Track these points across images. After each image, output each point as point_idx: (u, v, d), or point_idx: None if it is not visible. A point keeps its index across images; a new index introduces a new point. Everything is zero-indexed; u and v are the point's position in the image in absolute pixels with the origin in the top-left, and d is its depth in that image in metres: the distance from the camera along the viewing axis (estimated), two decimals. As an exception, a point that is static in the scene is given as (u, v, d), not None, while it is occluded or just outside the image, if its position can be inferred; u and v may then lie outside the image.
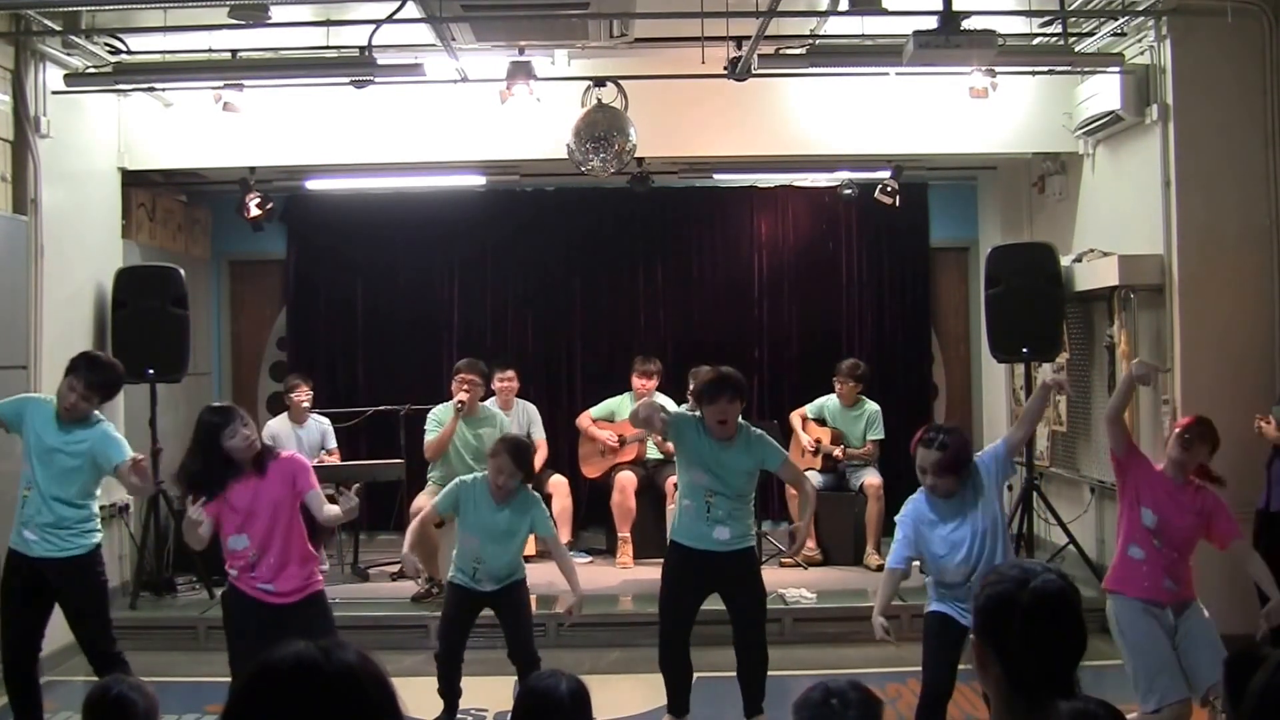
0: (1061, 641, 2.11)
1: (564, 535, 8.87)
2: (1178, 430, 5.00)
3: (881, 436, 8.84)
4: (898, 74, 7.56)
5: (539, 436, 8.61)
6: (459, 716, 5.84)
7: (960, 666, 4.80)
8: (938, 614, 4.84)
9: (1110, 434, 4.98)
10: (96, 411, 5.26)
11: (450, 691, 5.63)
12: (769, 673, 5.54)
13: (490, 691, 6.02)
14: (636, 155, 7.63)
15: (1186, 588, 4.92)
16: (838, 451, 8.81)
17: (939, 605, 4.86)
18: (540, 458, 8.62)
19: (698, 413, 5.58)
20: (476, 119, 7.81)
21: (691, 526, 5.46)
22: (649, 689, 5.76)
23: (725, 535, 5.42)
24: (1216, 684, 4.55)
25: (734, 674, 5.56)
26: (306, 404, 8.71)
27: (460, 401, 7.78)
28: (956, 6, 5.76)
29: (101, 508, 5.42)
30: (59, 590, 5.16)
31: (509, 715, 5.66)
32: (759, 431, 5.56)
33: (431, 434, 7.87)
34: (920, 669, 4.92)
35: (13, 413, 5.20)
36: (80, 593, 5.19)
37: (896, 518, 4.97)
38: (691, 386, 8.28)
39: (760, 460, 5.52)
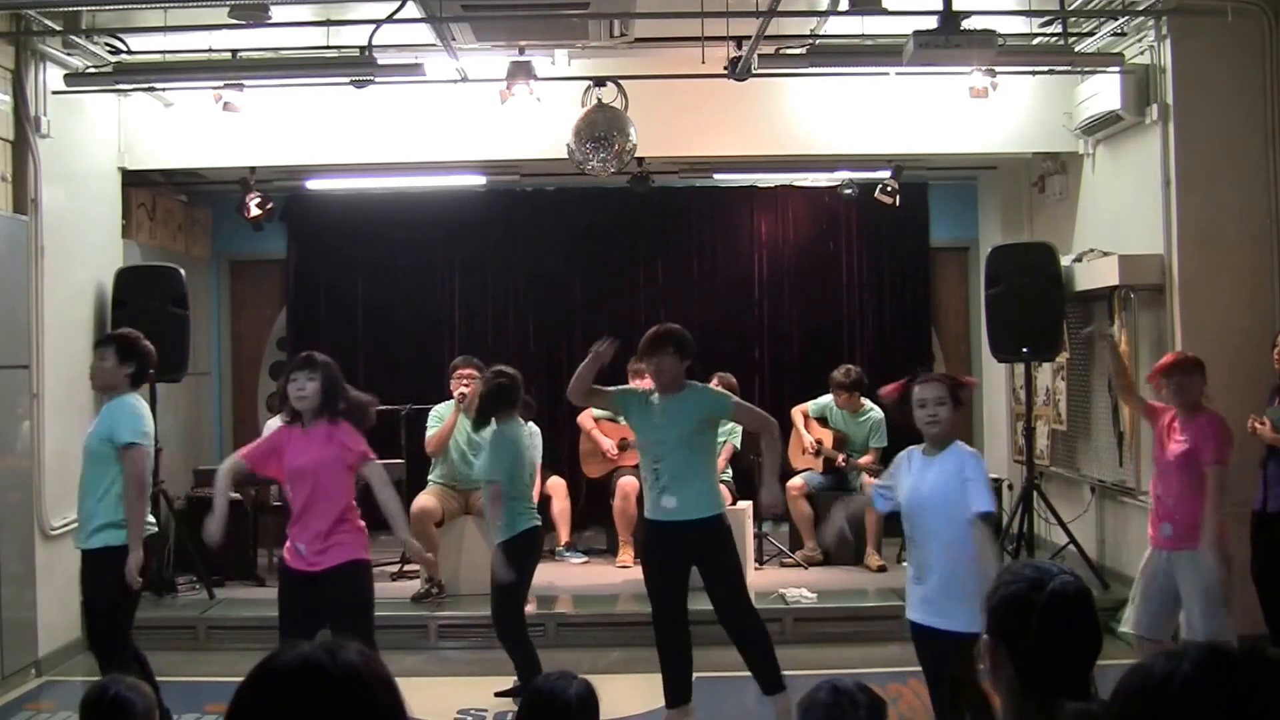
0: (1077, 643, 2.11)
1: (562, 536, 8.88)
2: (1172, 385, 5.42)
3: (884, 445, 8.78)
4: (898, 74, 7.55)
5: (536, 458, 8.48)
6: (457, 716, 5.85)
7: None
8: (912, 626, 4.61)
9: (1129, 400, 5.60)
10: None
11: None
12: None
13: (490, 692, 6.03)
14: (636, 155, 7.62)
15: (1184, 537, 5.27)
16: (840, 459, 8.77)
17: (910, 609, 4.65)
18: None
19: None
20: (476, 119, 7.81)
21: (647, 497, 5.47)
22: (649, 689, 5.76)
23: (672, 504, 5.33)
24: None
25: (734, 674, 5.53)
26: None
27: (461, 394, 7.79)
28: (956, 6, 5.76)
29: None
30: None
31: (510, 716, 5.71)
32: (708, 386, 5.58)
33: (432, 430, 7.90)
34: (917, 669, 4.89)
35: None
36: (89, 584, 5.25)
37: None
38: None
39: (709, 408, 5.50)
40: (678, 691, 5.47)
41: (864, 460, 8.72)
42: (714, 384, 7.93)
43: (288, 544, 5.12)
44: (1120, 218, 7.59)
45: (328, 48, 7.25)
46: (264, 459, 5.21)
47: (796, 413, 9.07)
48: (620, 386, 5.87)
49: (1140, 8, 6.94)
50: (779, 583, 7.74)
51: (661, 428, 5.40)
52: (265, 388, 10.27)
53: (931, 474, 4.49)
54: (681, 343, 5.44)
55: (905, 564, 4.75)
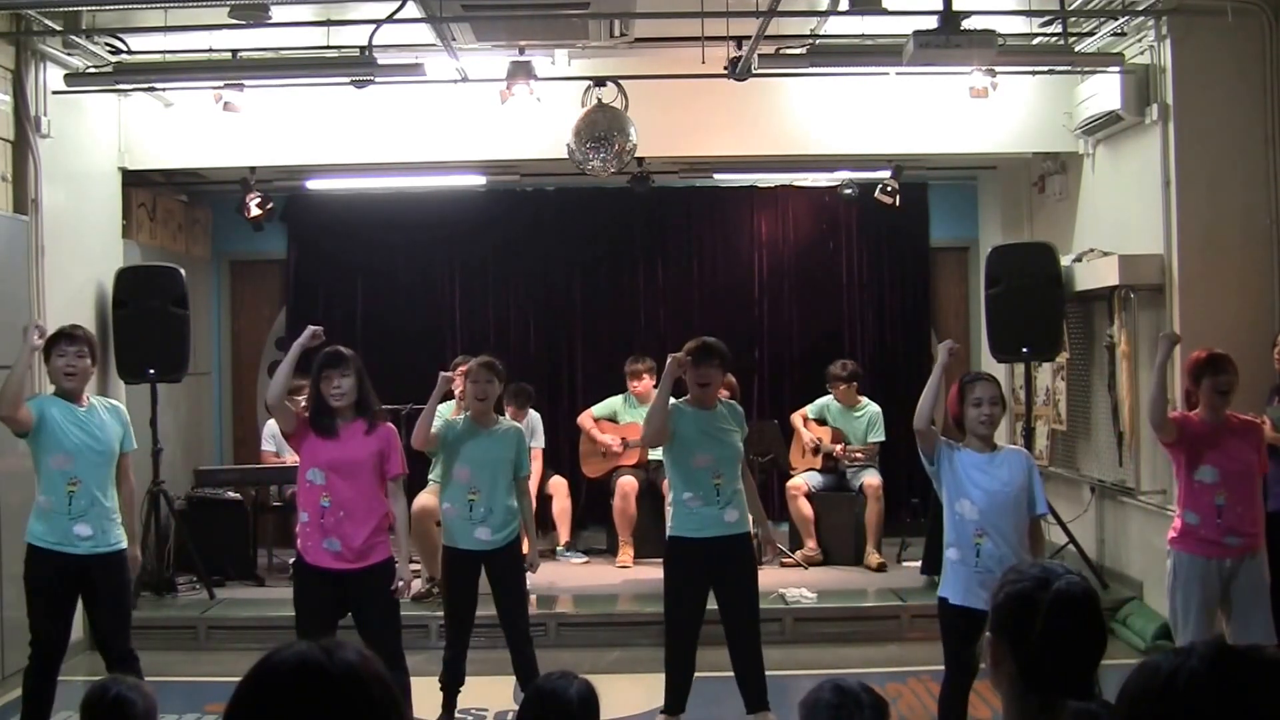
0: (1081, 644, 2.10)
1: (562, 536, 8.87)
2: (1210, 384, 5.21)
3: (882, 439, 8.80)
4: (898, 74, 7.55)
5: (538, 445, 8.52)
6: (459, 716, 5.85)
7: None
8: (948, 604, 4.72)
9: (1161, 431, 5.25)
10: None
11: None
12: (770, 672, 5.50)
13: (490, 691, 6.03)
14: (636, 155, 7.63)
15: (1251, 539, 5.15)
16: (838, 450, 8.79)
17: (951, 587, 4.71)
18: (537, 469, 8.59)
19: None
20: (476, 119, 7.81)
21: (699, 514, 5.37)
22: (649, 689, 5.76)
23: (735, 516, 5.42)
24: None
25: (733, 674, 5.52)
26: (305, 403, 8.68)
27: (462, 393, 7.77)
28: (956, 6, 5.76)
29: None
30: (96, 585, 5.14)
31: (510, 715, 5.70)
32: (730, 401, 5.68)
33: (435, 428, 7.86)
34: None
35: (36, 410, 5.13)
36: (118, 586, 5.21)
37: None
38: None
39: (740, 420, 5.62)
40: (682, 702, 5.49)
41: (863, 451, 8.75)
42: None
43: (308, 541, 5.08)
44: (1120, 218, 7.59)
45: (328, 48, 7.26)
46: (301, 425, 5.18)
47: (796, 417, 9.09)
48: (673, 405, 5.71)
49: (1140, 8, 6.94)
50: (779, 583, 7.73)
51: (722, 442, 5.45)
52: (265, 388, 10.24)
53: (1003, 473, 4.68)
54: (725, 358, 5.56)
55: (951, 550, 4.72)
